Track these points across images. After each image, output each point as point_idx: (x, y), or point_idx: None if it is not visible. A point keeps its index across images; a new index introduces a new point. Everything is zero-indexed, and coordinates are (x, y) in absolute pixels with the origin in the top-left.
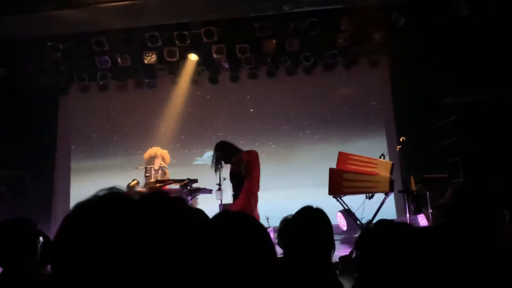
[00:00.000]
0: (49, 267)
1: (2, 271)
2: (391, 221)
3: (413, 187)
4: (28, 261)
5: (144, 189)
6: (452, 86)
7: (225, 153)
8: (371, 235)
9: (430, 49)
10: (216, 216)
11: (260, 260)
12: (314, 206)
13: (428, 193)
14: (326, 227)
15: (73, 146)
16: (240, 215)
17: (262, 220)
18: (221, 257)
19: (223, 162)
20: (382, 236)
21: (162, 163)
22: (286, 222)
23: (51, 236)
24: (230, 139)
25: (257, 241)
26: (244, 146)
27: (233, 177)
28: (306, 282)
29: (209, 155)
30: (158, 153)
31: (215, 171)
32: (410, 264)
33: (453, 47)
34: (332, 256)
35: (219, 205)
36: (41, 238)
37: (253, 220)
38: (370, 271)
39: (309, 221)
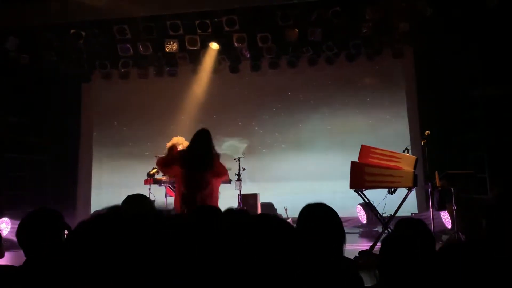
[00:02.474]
0: None
1: (26, 260)
2: (420, 223)
3: (438, 183)
4: (52, 253)
5: (164, 178)
6: (479, 78)
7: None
8: (397, 238)
9: (457, 40)
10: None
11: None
12: (317, 200)
13: (452, 189)
14: (329, 221)
15: (94, 133)
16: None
17: (281, 212)
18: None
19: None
20: (408, 241)
21: None
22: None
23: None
24: (250, 129)
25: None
26: (264, 136)
27: None
28: (321, 277)
29: (228, 144)
30: (180, 141)
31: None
32: (438, 274)
33: (481, 38)
34: (344, 249)
35: (238, 195)
36: (66, 231)
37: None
38: (393, 275)
39: (310, 219)
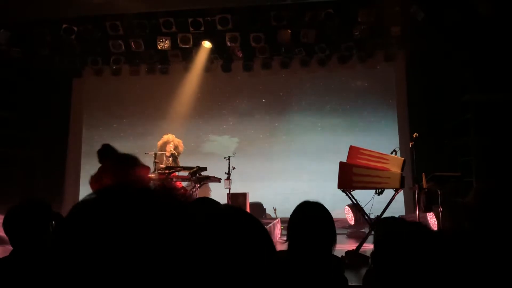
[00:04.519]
0: None
1: (12, 251)
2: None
3: (424, 185)
4: (39, 243)
5: (153, 175)
6: (469, 84)
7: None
8: (391, 230)
9: (448, 45)
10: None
11: (256, 257)
12: (312, 200)
13: (439, 191)
14: (323, 221)
15: (84, 129)
16: (235, 211)
17: (269, 212)
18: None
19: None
20: (404, 234)
21: (172, 150)
22: (289, 219)
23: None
24: (241, 129)
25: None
26: (256, 137)
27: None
28: (308, 276)
29: (219, 143)
30: (170, 139)
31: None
32: (429, 265)
33: (472, 44)
34: (334, 249)
35: (227, 194)
36: (53, 222)
37: (249, 216)
38: (387, 265)
39: (306, 216)
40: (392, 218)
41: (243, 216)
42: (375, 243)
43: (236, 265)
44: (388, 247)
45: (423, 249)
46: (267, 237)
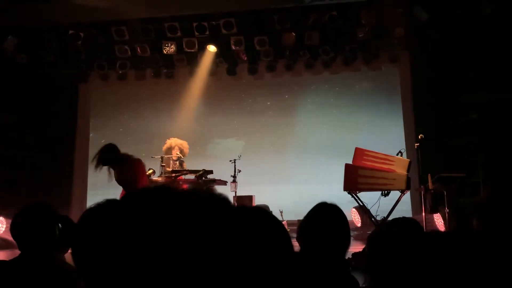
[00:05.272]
0: (68, 253)
1: (20, 254)
2: (406, 219)
3: (430, 186)
4: (45, 247)
5: (160, 178)
6: (473, 84)
7: (111, 156)
8: (383, 233)
9: (452, 45)
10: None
11: (276, 255)
12: (328, 202)
13: (445, 192)
14: (341, 223)
15: (91, 134)
16: (257, 210)
17: (276, 214)
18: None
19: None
20: (394, 236)
21: (178, 153)
22: (304, 219)
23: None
24: (246, 132)
25: (273, 236)
26: (260, 138)
27: (122, 183)
28: (321, 278)
29: (224, 146)
30: (173, 144)
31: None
32: (426, 267)
33: (476, 44)
34: (347, 252)
35: (233, 197)
36: (60, 225)
37: (270, 216)
38: (380, 271)
39: (324, 217)
40: (398, 219)
41: (267, 216)
42: (366, 243)
43: (264, 259)
44: (374, 247)
45: (412, 248)
46: (287, 236)
